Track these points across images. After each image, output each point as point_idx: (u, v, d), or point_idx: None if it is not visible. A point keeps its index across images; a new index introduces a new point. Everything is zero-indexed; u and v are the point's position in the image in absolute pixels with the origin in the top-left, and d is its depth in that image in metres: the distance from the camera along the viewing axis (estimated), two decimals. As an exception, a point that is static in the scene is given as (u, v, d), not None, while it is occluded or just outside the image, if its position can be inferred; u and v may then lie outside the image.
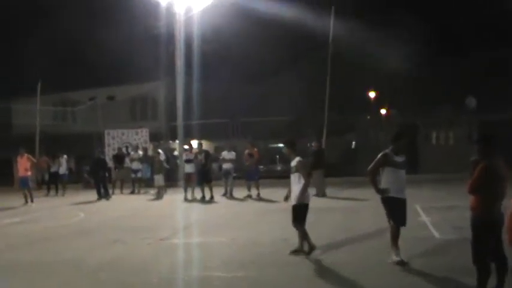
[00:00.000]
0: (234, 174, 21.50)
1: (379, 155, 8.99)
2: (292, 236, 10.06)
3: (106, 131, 29.24)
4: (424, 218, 13.83)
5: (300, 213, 9.68)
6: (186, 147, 22.75)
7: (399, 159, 8.98)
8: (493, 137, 6.98)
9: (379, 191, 8.91)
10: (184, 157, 21.85)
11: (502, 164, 6.85)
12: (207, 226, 14.12)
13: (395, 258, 8.80)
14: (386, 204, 8.98)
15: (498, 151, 6.90)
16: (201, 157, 20.57)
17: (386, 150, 9.03)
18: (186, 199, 20.20)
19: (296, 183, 9.70)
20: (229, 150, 21.50)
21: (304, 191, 9.62)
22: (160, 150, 23.67)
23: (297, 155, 9.90)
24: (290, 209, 9.92)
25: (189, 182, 20.73)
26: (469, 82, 33.97)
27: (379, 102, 45.09)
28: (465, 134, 27.17)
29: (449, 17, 37.45)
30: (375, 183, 8.92)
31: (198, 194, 20.32)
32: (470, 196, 6.88)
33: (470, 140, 20.98)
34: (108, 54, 35.66)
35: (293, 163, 9.79)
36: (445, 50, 36.88)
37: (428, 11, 36.68)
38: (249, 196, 20.12)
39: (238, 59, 35.14)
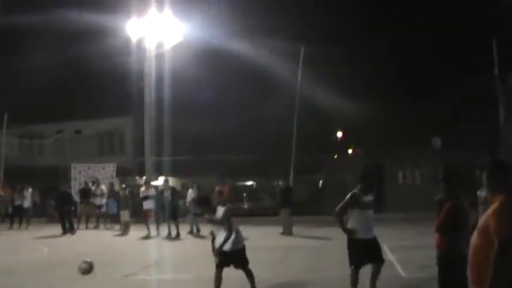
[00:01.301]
0: (199, 212, 21.44)
1: (348, 196, 9.04)
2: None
3: (72, 165, 28.95)
4: (391, 256, 13.94)
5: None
6: (142, 182, 22.74)
7: (367, 198, 9.03)
8: (458, 177, 7.21)
9: (347, 231, 8.93)
10: (141, 194, 21.65)
11: (466, 204, 7.09)
12: (173, 263, 14.05)
13: None
14: (351, 245, 9.00)
15: (462, 190, 7.12)
16: (167, 194, 20.54)
17: (355, 191, 9.08)
18: (149, 236, 20.02)
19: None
20: (193, 188, 21.52)
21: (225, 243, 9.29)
22: (123, 186, 23.66)
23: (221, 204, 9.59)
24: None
25: (147, 218, 20.58)
26: (435, 123, 34.65)
27: (346, 143, 45.62)
28: (431, 173, 27.56)
29: (415, 59, 38.28)
30: (342, 223, 8.94)
31: (163, 231, 20.17)
32: (435, 234, 7.05)
33: (436, 180, 21.27)
34: (76, 88, 35.65)
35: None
36: (412, 92, 37.62)
37: (392, 51, 37.46)
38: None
39: (210, 96, 35.40)
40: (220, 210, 9.30)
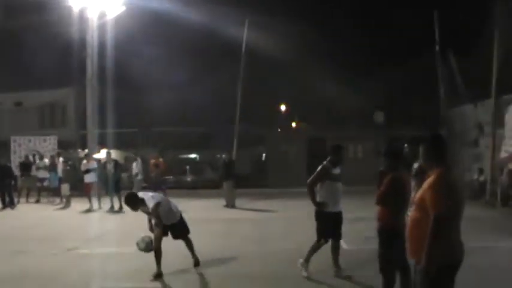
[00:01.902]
0: (144, 185, 21.42)
1: (319, 168, 9.05)
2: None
3: (12, 138, 28.33)
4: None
5: None
6: (83, 155, 22.47)
7: (336, 171, 9.07)
8: (400, 151, 7.45)
9: (317, 204, 8.96)
10: (83, 167, 21.36)
11: (406, 177, 7.30)
12: (115, 236, 14.03)
13: (304, 273, 9.04)
14: (321, 219, 9.02)
15: (401, 163, 7.35)
16: (110, 166, 20.39)
17: (325, 163, 9.11)
18: (91, 209, 19.89)
19: None
20: (137, 161, 21.47)
21: None
22: (61, 158, 23.38)
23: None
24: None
25: (89, 192, 20.42)
26: (378, 98, 35.20)
27: (289, 116, 45.99)
28: (373, 148, 28.09)
29: (359, 35, 38.68)
30: (313, 196, 8.96)
31: (106, 204, 20.06)
32: (376, 207, 7.26)
33: (378, 154, 21.72)
34: (16, 58, 34.68)
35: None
36: (356, 67, 38.01)
37: (339, 28, 37.73)
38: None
39: (153, 68, 35.01)
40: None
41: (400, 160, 7.34)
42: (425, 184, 5.24)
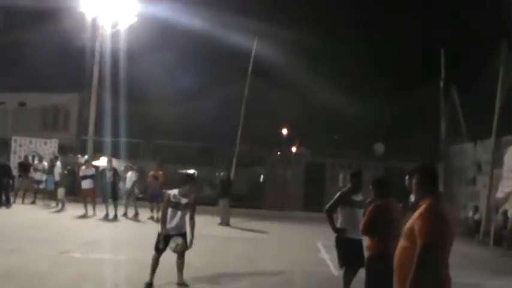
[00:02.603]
0: (140, 195, 21.49)
1: (337, 195, 8.91)
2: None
3: (13, 138, 28.43)
4: (324, 255, 14.37)
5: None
6: (83, 161, 22.52)
7: (358, 197, 8.90)
8: (385, 181, 7.42)
9: (337, 230, 8.78)
10: (81, 173, 21.27)
11: (394, 206, 7.08)
12: (108, 243, 14.07)
13: None
14: (340, 245, 8.81)
15: (392, 194, 7.28)
16: (109, 174, 20.47)
17: (344, 189, 9.02)
18: (86, 215, 19.91)
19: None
20: (133, 171, 21.49)
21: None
22: (59, 162, 23.48)
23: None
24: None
25: (85, 198, 20.44)
26: (379, 129, 35.34)
27: (290, 140, 46.09)
28: (371, 177, 28.14)
29: (366, 64, 39.00)
30: (331, 222, 8.78)
31: (101, 212, 20.08)
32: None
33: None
34: (25, 60, 34.91)
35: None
36: (360, 96, 38.23)
37: (343, 53, 38.05)
38: (152, 218, 20.10)
39: (160, 79, 35.21)
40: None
41: (387, 190, 7.24)
42: (416, 214, 5.33)
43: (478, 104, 23.27)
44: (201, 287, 9.67)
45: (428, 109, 29.32)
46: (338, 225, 8.84)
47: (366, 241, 7.29)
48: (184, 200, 9.39)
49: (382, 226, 6.83)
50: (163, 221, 9.44)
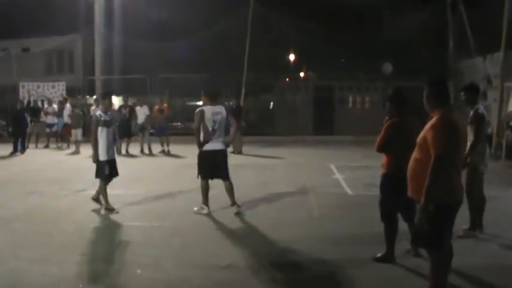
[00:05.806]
0: (151, 130, 21.56)
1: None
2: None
3: (21, 84, 28.40)
4: (338, 175, 14.54)
5: None
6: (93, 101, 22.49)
7: None
8: (402, 97, 7.26)
9: None
10: (92, 112, 21.16)
11: (411, 120, 6.90)
12: (124, 179, 14.19)
13: None
14: None
15: (408, 110, 7.01)
16: (125, 111, 20.50)
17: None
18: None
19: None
20: (141, 106, 21.45)
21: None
22: (68, 104, 23.52)
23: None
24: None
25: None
26: (387, 50, 34.93)
27: (298, 66, 45.69)
28: (380, 98, 28.06)
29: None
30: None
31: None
32: (382, 156, 7.03)
33: (385, 105, 21.79)
34: (23, 4, 34.51)
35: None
36: (366, 18, 37.61)
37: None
38: (163, 151, 20.34)
39: (161, 15, 34.81)
40: None
41: (403, 106, 7.00)
42: (428, 125, 5.37)
43: (486, 18, 22.90)
44: (215, 212, 9.81)
45: (435, 26, 28.93)
46: None
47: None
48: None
49: (398, 144, 6.67)
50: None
